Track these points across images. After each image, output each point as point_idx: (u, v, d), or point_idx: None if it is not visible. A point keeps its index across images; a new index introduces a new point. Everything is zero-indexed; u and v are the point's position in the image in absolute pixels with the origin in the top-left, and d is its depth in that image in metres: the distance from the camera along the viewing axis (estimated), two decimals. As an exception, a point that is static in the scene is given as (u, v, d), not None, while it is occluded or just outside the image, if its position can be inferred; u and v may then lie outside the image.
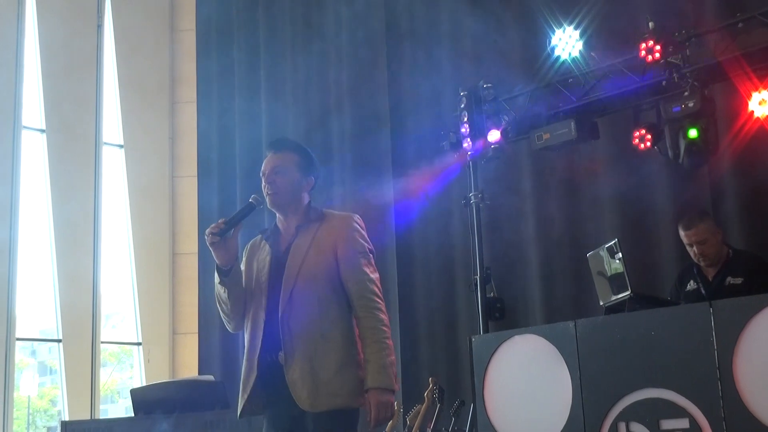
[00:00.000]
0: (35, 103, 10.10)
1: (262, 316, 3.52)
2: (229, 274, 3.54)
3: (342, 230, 3.57)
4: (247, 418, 3.76)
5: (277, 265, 3.56)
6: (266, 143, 3.72)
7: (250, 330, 3.59)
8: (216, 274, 3.57)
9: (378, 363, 3.40)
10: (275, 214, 3.71)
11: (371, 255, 3.60)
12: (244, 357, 3.59)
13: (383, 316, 3.49)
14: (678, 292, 5.64)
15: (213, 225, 3.52)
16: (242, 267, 3.71)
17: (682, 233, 5.54)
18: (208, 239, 3.50)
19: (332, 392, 3.39)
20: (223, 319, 3.71)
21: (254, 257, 3.68)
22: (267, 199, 3.59)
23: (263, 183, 3.61)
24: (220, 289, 3.58)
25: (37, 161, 10.05)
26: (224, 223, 3.52)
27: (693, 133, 5.84)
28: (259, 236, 3.74)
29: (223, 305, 3.62)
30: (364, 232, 3.62)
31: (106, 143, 10.64)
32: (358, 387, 3.44)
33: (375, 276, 3.56)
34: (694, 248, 5.45)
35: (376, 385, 3.38)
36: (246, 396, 3.53)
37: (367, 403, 3.37)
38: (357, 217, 3.65)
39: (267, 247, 3.64)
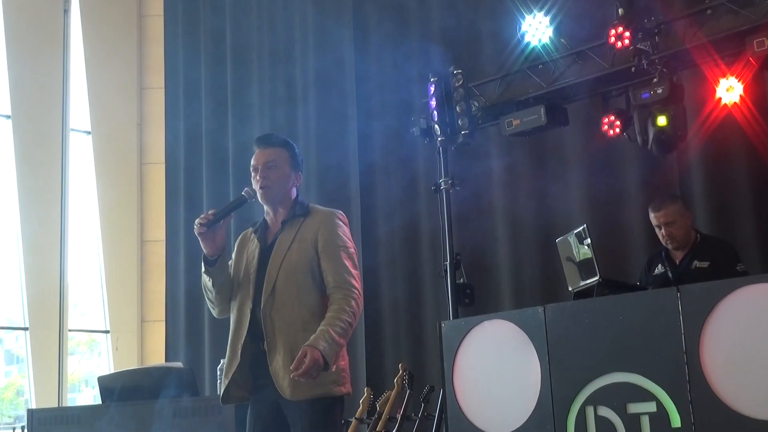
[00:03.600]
0: (1, 89, 9.96)
1: (248, 305, 3.62)
2: (215, 264, 3.63)
3: (324, 224, 3.68)
4: (218, 404, 3.82)
5: (263, 257, 3.67)
6: (254, 139, 3.84)
7: (235, 318, 3.68)
8: (202, 264, 3.65)
9: (328, 332, 3.45)
10: (263, 208, 3.80)
11: (353, 251, 3.71)
12: (228, 343, 3.68)
13: (354, 305, 3.58)
14: (647, 277, 5.69)
15: (202, 216, 3.61)
16: (233, 256, 3.82)
17: (651, 215, 5.58)
18: (196, 229, 3.59)
19: (313, 382, 3.44)
20: (209, 305, 3.82)
21: (244, 249, 3.79)
22: (259, 193, 3.69)
23: (255, 177, 3.70)
24: (205, 278, 3.68)
25: (2, 148, 9.91)
26: (213, 214, 3.61)
27: (662, 120, 5.87)
28: (250, 229, 3.85)
29: (208, 293, 3.73)
30: (346, 229, 3.75)
31: (73, 129, 10.52)
32: (339, 376, 3.56)
33: (355, 271, 3.66)
34: (663, 230, 5.49)
35: (317, 348, 3.39)
36: (227, 381, 3.62)
37: (302, 352, 3.37)
38: (340, 214, 3.77)
39: (256, 240, 3.75)
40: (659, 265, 5.61)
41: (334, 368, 3.48)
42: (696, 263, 5.40)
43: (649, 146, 6.11)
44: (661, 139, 5.98)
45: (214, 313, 3.80)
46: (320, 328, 3.46)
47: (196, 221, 3.59)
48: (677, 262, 5.52)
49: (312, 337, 3.44)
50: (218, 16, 10.37)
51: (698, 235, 5.55)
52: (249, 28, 10.04)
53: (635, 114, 6.12)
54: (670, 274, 5.48)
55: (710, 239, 5.61)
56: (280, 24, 9.75)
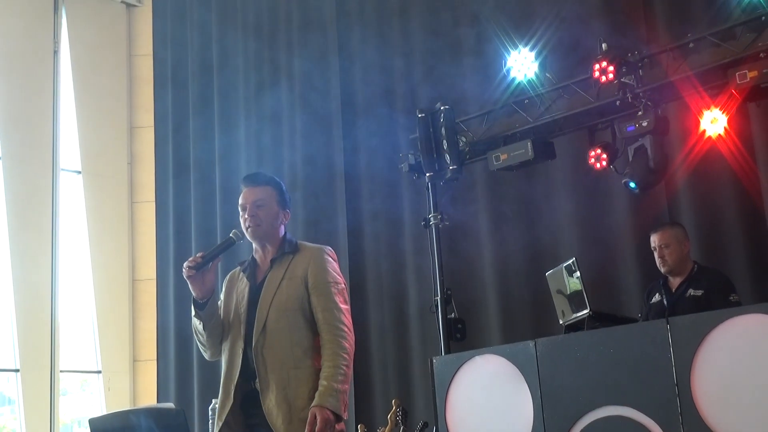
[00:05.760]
0: (-10, 130, 9.98)
1: (240, 345, 3.63)
2: (204, 307, 3.64)
3: (313, 261, 3.71)
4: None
5: (253, 296, 3.69)
6: (241, 177, 3.91)
7: (227, 359, 3.69)
8: (192, 307, 3.66)
9: (331, 387, 3.51)
10: (251, 248, 3.82)
11: (343, 287, 3.74)
12: (221, 384, 3.68)
13: (347, 345, 3.65)
14: (646, 306, 5.78)
15: (191, 258, 3.63)
16: (221, 297, 3.82)
17: (651, 238, 5.72)
18: (185, 272, 3.60)
19: (305, 419, 3.48)
20: (200, 348, 3.82)
21: (233, 288, 3.80)
22: (248, 231, 3.71)
23: (244, 215, 3.72)
24: (196, 322, 3.68)
25: (-8, 188, 9.91)
26: (202, 257, 3.62)
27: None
28: (238, 268, 3.87)
29: (199, 336, 3.73)
30: (336, 264, 3.79)
31: (63, 169, 10.53)
32: None
33: (345, 307, 3.70)
34: (657, 252, 5.60)
35: (325, 406, 3.47)
36: (221, 424, 3.63)
37: (311, 415, 3.43)
38: (329, 249, 3.80)
39: (245, 279, 3.77)
40: (656, 294, 5.71)
41: (345, 416, 3.53)
42: (691, 291, 5.50)
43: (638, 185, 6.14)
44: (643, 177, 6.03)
45: (206, 356, 3.81)
46: (322, 382, 3.51)
47: (185, 264, 3.61)
48: (673, 290, 5.61)
49: (317, 394, 3.48)
50: (206, 54, 10.43)
51: (696, 266, 5.66)
52: (236, 66, 10.10)
53: (622, 147, 6.17)
54: (665, 302, 5.54)
55: (707, 270, 5.72)
56: (267, 62, 9.80)
